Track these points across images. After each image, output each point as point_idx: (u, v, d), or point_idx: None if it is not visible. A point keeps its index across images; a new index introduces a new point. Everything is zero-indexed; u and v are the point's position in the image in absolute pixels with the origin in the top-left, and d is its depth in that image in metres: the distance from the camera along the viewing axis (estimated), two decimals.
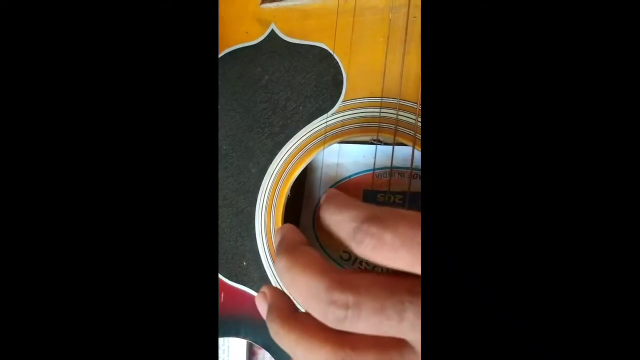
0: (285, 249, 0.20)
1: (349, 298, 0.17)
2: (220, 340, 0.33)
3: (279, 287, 0.25)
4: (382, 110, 0.27)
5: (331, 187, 0.33)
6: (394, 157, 0.29)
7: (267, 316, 0.20)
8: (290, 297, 0.21)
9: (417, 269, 0.17)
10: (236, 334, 0.31)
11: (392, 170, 0.30)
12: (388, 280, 0.17)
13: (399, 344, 0.17)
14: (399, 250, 0.17)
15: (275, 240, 0.22)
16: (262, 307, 0.21)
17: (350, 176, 0.32)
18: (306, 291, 0.18)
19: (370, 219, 0.18)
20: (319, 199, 0.33)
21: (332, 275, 0.18)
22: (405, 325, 0.17)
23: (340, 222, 0.19)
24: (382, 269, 0.19)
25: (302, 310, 0.20)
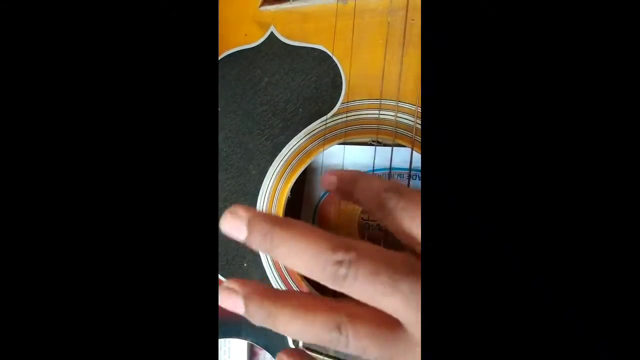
0: (272, 223, 0.19)
1: (352, 256, 0.17)
2: (221, 341, 0.33)
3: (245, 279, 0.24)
4: (381, 112, 0.27)
5: None
6: (392, 159, 0.30)
7: (248, 305, 0.19)
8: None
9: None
10: (237, 335, 0.31)
11: (391, 171, 0.30)
12: (390, 253, 0.18)
13: (394, 324, 0.17)
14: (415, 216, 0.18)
15: (233, 224, 0.19)
16: (235, 301, 0.19)
17: None
18: (311, 256, 0.18)
19: (391, 189, 0.19)
20: (320, 199, 0.33)
21: (334, 238, 0.18)
22: (398, 297, 0.17)
23: (370, 186, 0.20)
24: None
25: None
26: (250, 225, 0.19)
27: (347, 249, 0.18)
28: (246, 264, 0.31)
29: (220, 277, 0.32)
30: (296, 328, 0.18)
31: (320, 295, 0.19)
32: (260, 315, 0.19)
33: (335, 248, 0.18)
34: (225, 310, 0.30)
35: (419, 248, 0.18)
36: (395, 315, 0.17)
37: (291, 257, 0.18)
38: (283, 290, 0.20)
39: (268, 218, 0.19)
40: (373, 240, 0.31)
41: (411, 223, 0.19)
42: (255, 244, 0.19)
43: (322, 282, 0.18)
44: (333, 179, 0.22)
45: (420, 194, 0.19)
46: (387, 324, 0.17)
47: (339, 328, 0.17)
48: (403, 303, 0.17)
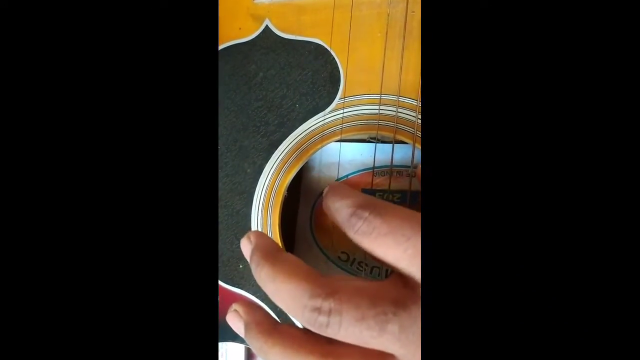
0: (264, 257, 0.20)
1: (331, 304, 0.17)
2: (219, 345, 0.33)
3: (252, 299, 0.26)
4: (381, 107, 0.26)
5: None
6: (393, 156, 0.29)
7: (246, 333, 0.20)
8: (267, 309, 0.22)
9: (402, 263, 0.17)
10: (234, 338, 0.30)
11: (392, 168, 0.29)
12: (374, 288, 0.17)
13: (387, 358, 0.17)
14: (386, 237, 0.17)
15: (244, 250, 0.21)
16: (238, 325, 0.21)
17: (348, 175, 0.32)
18: (290, 299, 0.18)
19: (365, 205, 0.18)
20: (317, 198, 0.32)
21: (316, 281, 0.18)
22: (388, 337, 0.16)
23: (339, 208, 0.19)
24: (377, 272, 0.18)
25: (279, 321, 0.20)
26: (252, 254, 0.20)
27: (326, 295, 0.17)
28: (242, 266, 0.30)
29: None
30: None
31: (312, 335, 0.18)
32: (254, 347, 0.20)
33: (314, 294, 0.17)
34: (221, 314, 0.29)
35: (403, 271, 0.18)
36: (388, 351, 0.17)
37: (275, 295, 0.19)
38: (281, 325, 0.20)
39: (265, 250, 0.20)
40: None
41: (384, 250, 0.18)
42: (254, 274, 0.20)
43: (305, 326, 0.18)
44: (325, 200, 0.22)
45: (399, 210, 0.18)
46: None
47: None
48: (394, 342, 0.16)
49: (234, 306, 0.21)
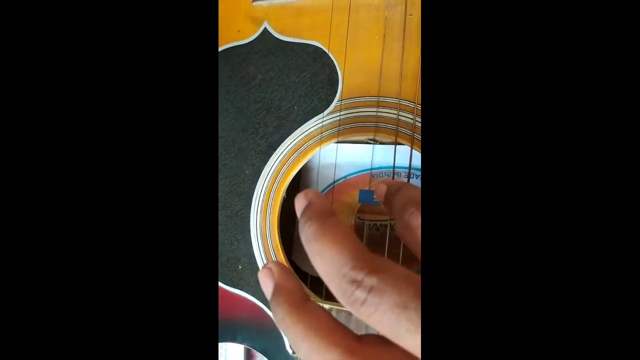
0: (315, 215, 0.18)
1: (374, 282, 0.15)
2: (218, 345, 0.33)
3: (287, 266, 0.23)
4: (379, 109, 0.27)
5: (327, 187, 0.32)
6: (395, 157, 0.29)
7: (272, 298, 0.18)
8: (266, 310, 0.20)
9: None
10: (233, 339, 0.30)
11: (394, 169, 0.29)
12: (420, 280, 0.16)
13: None
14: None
15: (297, 205, 0.20)
16: (267, 285, 0.19)
17: (346, 176, 0.32)
18: (331, 263, 0.16)
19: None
20: None
21: (364, 254, 0.16)
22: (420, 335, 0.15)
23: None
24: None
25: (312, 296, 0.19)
26: (305, 208, 0.19)
27: (371, 270, 0.15)
28: (241, 266, 0.30)
29: None
30: (302, 351, 0.17)
31: (341, 326, 0.17)
32: (276, 316, 0.18)
33: (358, 265, 0.16)
34: (222, 314, 0.29)
35: None
36: (419, 355, 0.15)
37: (316, 256, 0.17)
38: (312, 302, 0.18)
39: (319, 209, 0.19)
40: (370, 241, 0.31)
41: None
42: (300, 229, 0.18)
43: (337, 297, 0.16)
44: (382, 188, 0.21)
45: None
46: None
47: None
48: None
49: (269, 264, 0.19)
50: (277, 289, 0.18)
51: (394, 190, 0.21)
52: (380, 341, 0.16)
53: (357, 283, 0.15)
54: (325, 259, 0.17)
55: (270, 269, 0.19)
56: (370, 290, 0.15)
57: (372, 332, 0.16)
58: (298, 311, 0.17)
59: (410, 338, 0.15)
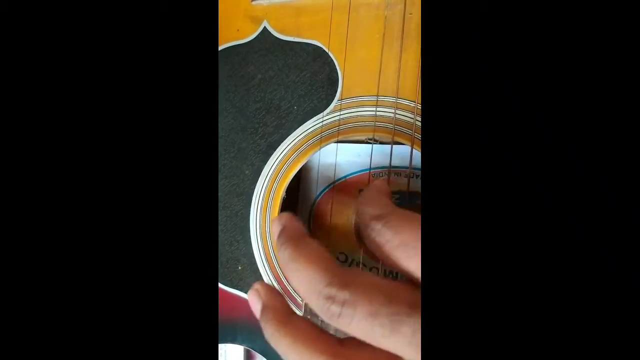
0: (289, 238, 0.20)
1: (345, 295, 0.17)
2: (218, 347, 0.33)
3: (273, 285, 0.25)
4: (379, 109, 0.26)
5: (326, 187, 0.32)
6: (391, 157, 0.29)
7: (261, 316, 0.20)
8: (285, 297, 0.22)
9: (417, 274, 0.17)
10: (233, 340, 0.30)
11: (390, 169, 0.29)
12: (391, 287, 0.17)
13: None
14: (398, 248, 0.17)
15: (274, 230, 0.22)
16: (256, 305, 0.21)
17: (346, 176, 0.32)
18: (307, 283, 0.18)
19: (379, 217, 0.18)
20: (315, 199, 0.33)
21: (334, 270, 0.18)
22: (399, 338, 0.16)
23: (360, 214, 0.19)
24: (384, 272, 0.18)
25: (298, 312, 0.20)
26: (279, 235, 0.21)
27: (342, 285, 0.17)
28: (241, 267, 0.30)
29: None
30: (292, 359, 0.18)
31: (325, 334, 0.18)
32: (266, 332, 0.20)
33: (330, 282, 0.17)
34: (221, 315, 0.29)
35: (415, 279, 0.17)
36: (398, 353, 0.16)
37: (293, 277, 0.19)
38: (297, 316, 0.20)
39: (292, 232, 0.20)
40: None
41: (400, 256, 0.18)
42: (277, 254, 0.21)
43: (318, 313, 0.18)
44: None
45: (413, 221, 0.18)
46: None
47: None
48: (405, 344, 0.16)
49: (256, 285, 0.21)
50: (265, 308, 0.20)
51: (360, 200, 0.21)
52: (362, 344, 0.17)
53: (331, 299, 0.17)
54: (302, 279, 0.18)
55: (257, 290, 0.21)
56: (344, 303, 0.17)
57: None
58: (285, 326, 0.19)
59: (385, 342, 0.16)
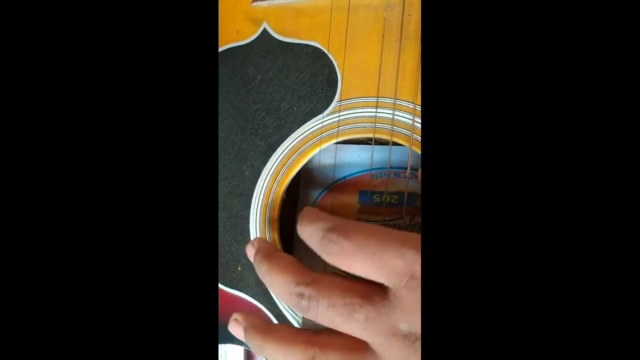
0: (264, 255, 0.24)
1: (310, 291, 0.20)
2: (218, 347, 0.33)
3: (251, 311, 0.29)
4: (378, 110, 0.26)
5: (326, 188, 0.32)
6: (390, 157, 0.29)
7: (245, 336, 0.24)
8: (266, 310, 0.27)
9: (373, 276, 0.20)
10: (233, 340, 0.30)
11: (389, 170, 0.29)
12: (347, 283, 0.20)
13: (363, 347, 0.20)
14: (355, 255, 0.20)
15: (249, 254, 0.26)
16: (239, 331, 0.24)
17: (346, 177, 0.32)
18: (282, 287, 0.22)
19: (333, 229, 0.21)
20: (315, 200, 0.33)
21: (301, 273, 0.22)
22: (354, 325, 0.19)
23: (311, 232, 0.22)
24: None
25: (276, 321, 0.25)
26: (254, 256, 0.25)
27: (308, 283, 0.21)
28: (240, 268, 0.30)
29: None
30: (280, 359, 0.21)
31: (301, 330, 0.22)
32: (253, 347, 0.23)
33: (299, 282, 0.21)
34: (222, 316, 0.30)
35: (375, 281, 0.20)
36: (357, 337, 0.20)
37: (271, 285, 0.23)
38: (275, 324, 0.25)
39: (265, 251, 0.25)
40: None
41: (354, 267, 0.20)
42: (257, 271, 0.24)
43: (293, 309, 0.23)
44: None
45: (360, 231, 0.20)
46: (357, 348, 0.20)
47: (313, 358, 0.20)
48: (362, 329, 0.19)
49: (234, 316, 0.25)
50: (246, 329, 0.24)
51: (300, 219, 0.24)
52: (333, 332, 0.20)
53: (300, 295, 0.21)
54: (277, 285, 0.22)
55: (236, 319, 0.25)
56: (310, 298, 0.20)
57: None
58: (266, 334, 0.23)
59: (345, 327, 0.20)
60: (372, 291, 0.20)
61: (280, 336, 0.22)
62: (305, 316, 0.21)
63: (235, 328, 0.25)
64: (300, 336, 0.21)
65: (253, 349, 0.23)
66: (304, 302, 0.20)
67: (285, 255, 0.24)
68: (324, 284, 0.20)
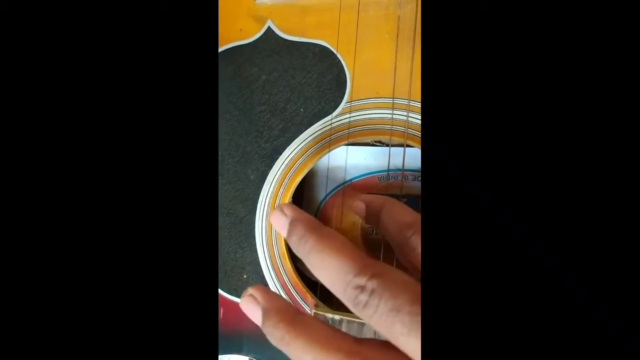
0: (308, 229, 0.19)
1: (374, 285, 0.17)
2: (222, 357, 0.32)
3: (265, 287, 0.23)
4: (394, 111, 0.26)
5: (332, 190, 0.31)
6: (394, 159, 0.28)
7: (265, 321, 0.19)
8: (284, 298, 0.21)
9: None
10: (238, 351, 0.29)
11: (403, 172, 0.29)
12: (417, 287, 0.16)
13: None
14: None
15: (276, 222, 0.20)
16: (254, 312, 0.19)
17: (352, 179, 0.31)
18: (335, 273, 0.17)
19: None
20: (320, 203, 0.32)
21: (363, 260, 0.17)
22: (417, 341, 0.15)
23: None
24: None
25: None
26: (290, 226, 0.20)
27: (372, 275, 0.17)
28: (246, 275, 0.29)
29: (219, 290, 0.30)
30: None
31: (339, 332, 0.18)
32: (274, 337, 0.18)
33: (360, 271, 0.17)
34: (226, 325, 0.28)
35: None
36: (413, 357, 0.16)
37: (319, 268, 0.18)
38: (304, 315, 0.19)
39: (308, 223, 0.19)
40: (375, 245, 0.30)
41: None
42: (292, 246, 0.19)
43: (344, 302, 0.17)
44: (361, 206, 0.22)
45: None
46: None
47: None
48: (418, 345, 0.15)
49: (250, 290, 0.20)
50: (266, 312, 0.19)
51: (377, 207, 0.22)
52: (380, 344, 0.17)
53: (360, 288, 0.17)
54: (328, 270, 0.18)
55: (252, 295, 0.19)
56: (372, 293, 0.16)
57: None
58: (295, 326, 0.18)
59: (404, 341, 0.16)
60: None
61: (313, 335, 0.17)
62: (358, 314, 0.17)
63: (249, 307, 0.19)
64: (339, 341, 0.17)
65: (272, 339, 0.18)
66: (363, 297, 0.16)
67: (335, 232, 0.19)
68: (391, 281, 0.17)
